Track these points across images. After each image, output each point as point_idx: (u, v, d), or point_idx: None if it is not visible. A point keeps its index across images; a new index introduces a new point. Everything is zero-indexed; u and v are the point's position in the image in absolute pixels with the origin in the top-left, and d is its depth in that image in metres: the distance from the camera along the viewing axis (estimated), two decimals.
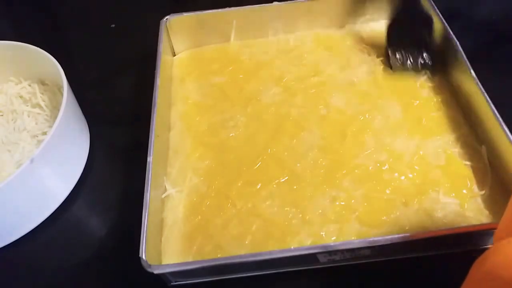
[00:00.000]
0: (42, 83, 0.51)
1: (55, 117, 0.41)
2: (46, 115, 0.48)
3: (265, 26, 0.54)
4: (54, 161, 0.41)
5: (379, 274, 0.37)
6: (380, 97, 0.47)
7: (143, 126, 0.42)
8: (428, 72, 0.49)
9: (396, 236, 0.34)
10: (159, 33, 0.50)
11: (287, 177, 0.42)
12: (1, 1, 0.70)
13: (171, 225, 0.40)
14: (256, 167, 0.43)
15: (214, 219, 0.40)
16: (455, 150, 0.42)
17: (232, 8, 0.52)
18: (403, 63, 0.49)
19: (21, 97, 0.50)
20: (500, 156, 0.39)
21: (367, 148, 0.43)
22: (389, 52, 0.49)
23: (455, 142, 0.43)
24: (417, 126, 0.45)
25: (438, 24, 0.48)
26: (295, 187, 0.41)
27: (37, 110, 0.48)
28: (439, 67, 0.49)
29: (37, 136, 0.46)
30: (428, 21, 0.48)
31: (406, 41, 0.48)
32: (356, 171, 0.42)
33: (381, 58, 0.51)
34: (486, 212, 0.38)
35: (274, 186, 0.41)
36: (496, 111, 0.39)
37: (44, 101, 0.48)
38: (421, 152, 0.42)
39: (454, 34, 0.46)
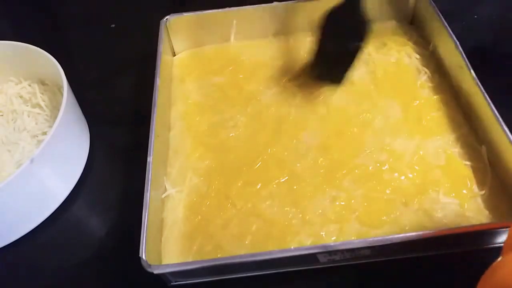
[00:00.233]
0: (42, 83, 0.51)
1: (55, 117, 0.41)
2: (46, 115, 0.48)
3: (265, 26, 0.54)
4: (54, 161, 0.41)
5: (379, 274, 0.37)
6: (380, 97, 0.47)
7: (143, 126, 0.42)
8: (428, 72, 0.49)
9: (396, 236, 0.34)
10: (159, 33, 0.50)
11: (287, 177, 0.42)
12: (1, 1, 0.70)
13: (171, 225, 0.40)
14: (256, 167, 0.43)
15: (214, 219, 0.40)
16: (455, 150, 0.42)
17: (232, 8, 0.52)
18: (320, 74, 0.47)
19: (21, 97, 0.50)
20: (500, 156, 0.39)
21: (367, 148, 0.43)
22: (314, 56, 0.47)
23: (455, 142, 0.43)
24: (417, 126, 0.45)
25: (438, 24, 0.48)
26: (295, 187, 0.41)
27: (37, 110, 0.48)
28: (439, 67, 0.49)
29: (37, 136, 0.46)
30: (360, 29, 0.44)
31: (330, 47, 0.46)
32: (356, 171, 0.42)
33: (381, 58, 0.51)
34: (486, 212, 0.38)
35: (274, 186, 0.41)
36: (496, 111, 0.39)
37: (44, 101, 0.48)
38: (421, 152, 0.42)
39: (454, 34, 0.46)
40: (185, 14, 0.52)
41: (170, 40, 0.53)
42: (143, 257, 0.33)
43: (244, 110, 0.48)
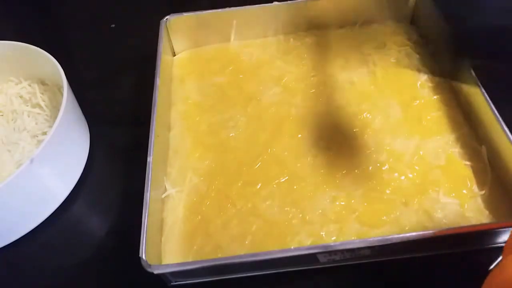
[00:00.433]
0: (42, 83, 0.51)
1: (55, 117, 0.41)
2: (46, 115, 0.48)
3: (265, 26, 0.54)
4: (54, 161, 0.41)
5: (379, 274, 0.37)
6: (380, 97, 0.47)
7: (143, 126, 0.42)
8: (428, 72, 0.49)
9: (396, 236, 0.34)
10: (159, 33, 0.50)
11: (287, 177, 0.42)
12: (1, 1, 0.70)
13: (171, 225, 0.40)
14: (256, 167, 0.43)
15: (214, 219, 0.40)
16: (455, 150, 0.42)
17: (232, 8, 0.52)
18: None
19: (21, 97, 0.50)
20: (500, 156, 0.39)
21: (367, 148, 0.43)
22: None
23: (455, 142, 0.43)
24: (417, 126, 0.45)
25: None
26: (295, 187, 0.41)
27: (37, 110, 0.48)
28: (439, 67, 0.49)
29: (37, 136, 0.46)
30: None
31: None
32: (356, 171, 0.42)
33: (381, 58, 0.51)
34: (486, 212, 0.38)
35: (274, 186, 0.41)
36: (496, 111, 0.39)
37: (44, 101, 0.48)
38: (421, 152, 0.42)
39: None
40: (185, 14, 0.52)
41: (170, 40, 0.53)
42: (143, 257, 0.33)
43: (244, 110, 0.48)
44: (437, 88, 0.47)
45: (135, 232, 0.35)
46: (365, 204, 0.39)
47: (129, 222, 0.40)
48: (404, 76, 0.49)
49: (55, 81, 0.49)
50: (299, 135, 0.45)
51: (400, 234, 0.34)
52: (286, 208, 0.40)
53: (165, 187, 0.42)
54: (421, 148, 0.43)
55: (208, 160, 0.44)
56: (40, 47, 0.47)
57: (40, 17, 0.68)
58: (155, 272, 0.34)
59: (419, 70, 0.49)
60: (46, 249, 0.42)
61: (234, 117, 0.47)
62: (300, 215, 0.39)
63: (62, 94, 0.44)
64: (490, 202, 0.39)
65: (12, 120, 0.48)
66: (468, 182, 0.40)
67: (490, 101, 0.40)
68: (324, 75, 0.50)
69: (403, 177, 0.41)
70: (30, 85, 0.50)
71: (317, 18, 0.54)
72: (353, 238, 0.37)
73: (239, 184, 0.42)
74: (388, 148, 0.43)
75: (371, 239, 0.34)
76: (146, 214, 0.36)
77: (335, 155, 0.43)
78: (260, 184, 0.42)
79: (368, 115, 0.46)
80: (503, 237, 0.36)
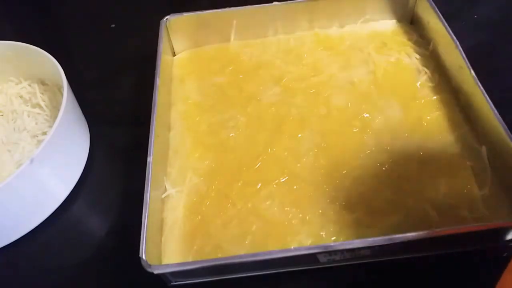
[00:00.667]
0: (42, 83, 0.51)
1: (55, 117, 0.41)
2: (46, 115, 0.48)
3: (265, 26, 0.54)
4: (54, 161, 0.41)
5: (379, 274, 0.37)
6: (380, 97, 0.47)
7: (143, 126, 0.42)
8: (428, 72, 0.49)
9: (396, 236, 0.34)
10: (159, 33, 0.50)
11: (287, 177, 0.42)
12: (1, 1, 0.70)
13: (171, 225, 0.40)
14: (256, 167, 0.43)
15: (214, 219, 0.40)
16: (455, 150, 0.42)
17: (232, 8, 0.52)
18: None
19: (21, 97, 0.50)
20: (500, 156, 0.39)
21: (367, 148, 0.43)
22: None
23: (455, 142, 0.43)
24: (417, 126, 0.45)
25: (438, 24, 0.48)
26: (295, 187, 0.41)
27: (37, 110, 0.48)
28: (439, 67, 0.49)
29: (37, 136, 0.46)
30: None
31: None
32: (356, 171, 0.42)
33: (381, 58, 0.51)
34: (486, 212, 0.38)
35: (274, 186, 0.41)
36: (496, 111, 0.39)
37: (44, 101, 0.48)
38: (421, 152, 0.42)
39: (454, 34, 0.46)
40: (185, 14, 0.52)
41: (170, 40, 0.53)
42: (143, 257, 0.33)
43: (244, 110, 0.48)
44: (437, 88, 0.47)
45: (135, 232, 0.35)
46: (365, 204, 0.39)
47: (129, 222, 0.40)
48: (404, 76, 0.49)
49: (55, 81, 0.49)
50: (299, 135, 0.45)
51: (400, 234, 0.34)
52: (286, 208, 0.40)
53: (165, 187, 0.42)
54: (421, 148, 0.43)
55: (208, 160, 0.44)
56: (40, 47, 0.47)
57: (40, 17, 0.68)
58: (155, 272, 0.34)
59: (419, 70, 0.49)
60: (46, 249, 0.42)
61: (234, 117, 0.47)
62: (300, 215, 0.39)
63: (62, 94, 0.44)
64: (490, 202, 0.39)
65: (12, 120, 0.48)
66: (468, 182, 0.40)
67: (490, 101, 0.40)
68: (324, 75, 0.50)
69: (403, 177, 0.41)
70: (30, 85, 0.50)
71: (317, 18, 0.54)
72: (353, 238, 0.37)
73: (239, 184, 0.42)
74: (388, 148, 0.43)
75: (371, 239, 0.34)
76: (146, 214, 0.36)
77: (335, 155, 0.43)
78: (260, 184, 0.41)
79: (368, 115, 0.46)
80: (504, 237, 0.36)
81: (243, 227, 0.39)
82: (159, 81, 0.45)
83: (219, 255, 0.37)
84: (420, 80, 0.48)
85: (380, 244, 0.34)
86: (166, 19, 0.52)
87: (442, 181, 0.40)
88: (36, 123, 0.47)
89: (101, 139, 0.49)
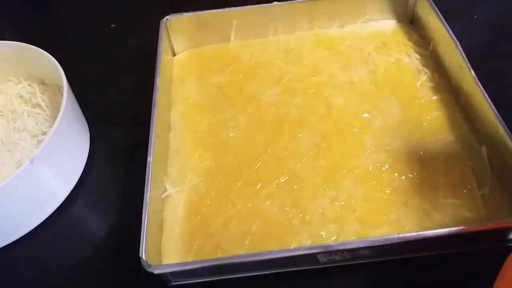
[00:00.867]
0: (42, 83, 0.51)
1: (55, 117, 0.41)
2: (46, 115, 0.48)
3: (265, 26, 0.54)
4: (54, 161, 0.41)
5: (379, 274, 0.37)
6: (380, 97, 0.47)
7: (143, 126, 0.42)
8: (428, 72, 0.49)
9: (396, 236, 0.34)
10: (159, 33, 0.50)
11: (287, 177, 0.42)
12: (1, 1, 0.70)
13: (171, 225, 0.40)
14: (256, 167, 0.43)
15: (214, 219, 0.40)
16: (455, 150, 0.42)
17: (232, 8, 0.52)
18: None
19: (21, 97, 0.50)
20: (500, 156, 0.39)
21: (367, 148, 0.43)
22: None
23: (455, 142, 0.43)
24: (417, 126, 0.45)
25: (438, 24, 0.48)
26: (295, 187, 0.41)
27: (37, 110, 0.48)
28: (439, 67, 0.49)
29: (37, 136, 0.46)
30: None
31: None
32: (356, 171, 0.42)
33: (381, 58, 0.51)
34: (486, 212, 0.38)
35: (274, 186, 0.41)
36: (496, 111, 0.39)
37: (44, 101, 0.48)
38: (421, 152, 0.42)
39: (454, 34, 0.46)
40: (185, 14, 0.52)
41: (170, 40, 0.53)
42: (143, 257, 0.33)
43: (244, 110, 0.48)
44: (437, 88, 0.47)
45: (135, 232, 0.35)
46: (365, 204, 0.39)
47: (129, 222, 0.40)
48: (404, 76, 0.49)
49: (55, 81, 0.49)
50: (299, 135, 0.45)
51: (400, 234, 0.34)
52: (286, 208, 0.40)
53: (165, 187, 0.42)
54: (421, 148, 0.43)
55: (208, 160, 0.44)
56: (40, 47, 0.47)
57: (40, 17, 0.68)
58: (155, 272, 0.34)
59: (419, 70, 0.49)
60: (46, 249, 0.42)
61: (234, 117, 0.47)
62: (300, 215, 0.39)
63: (62, 94, 0.44)
64: (490, 202, 0.39)
65: (12, 120, 0.48)
66: (468, 182, 0.40)
67: (490, 101, 0.40)
68: (324, 75, 0.50)
69: (403, 177, 0.41)
70: (30, 85, 0.50)
71: (317, 18, 0.54)
72: (353, 238, 0.37)
73: (239, 184, 0.42)
74: (388, 148, 0.43)
75: (371, 239, 0.34)
76: (146, 214, 0.36)
77: (335, 155, 0.43)
78: (260, 184, 0.41)
79: (368, 115, 0.46)
80: (504, 237, 0.36)
81: (243, 227, 0.39)
82: (159, 81, 0.45)
83: (219, 255, 0.37)
84: (420, 80, 0.48)
85: (380, 244, 0.34)
86: (166, 19, 0.52)
87: (442, 181, 0.40)
88: (36, 123, 0.47)
89: (101, 139, 0.49)
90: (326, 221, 0.39)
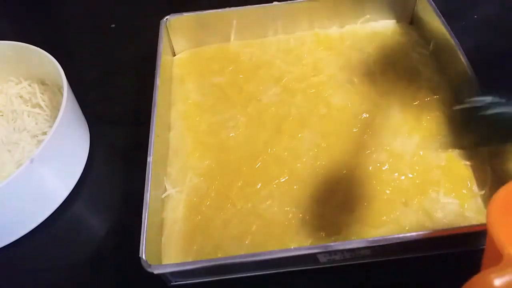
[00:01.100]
0: (42, 83, 0.51)
1: (55, 117, 0.41)
2: (46, 115, 0.48)
3: (265, 26, 0.54)
4: (54, 161, 0.41)
5: (379, 274, 0.37)
6: (380, 97, 0.47)
7: (143, 126, 0.42)
8: (428, 72, 0.49)
9: (396, 236, 0.34)
10: (159, 33, 0.50)
11: (287, 177, 0.42)
12: (1, 1, 0.70)
13: (171, 225, 0.40)
14: (256, 167, 0.43)
15: (214, 219, 0.40)
16: (455, 150, 0.42)
17: (232, 8, 0.52)
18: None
19: (21, 97, 0.50)
20: (500, 156, 0.39)
21: (367, 148, 0.43)
22: None
23: (455, 142, 0.43)
24: (417, 126, 0.45)
25: (438, 24, 0.48)
26: (295, 187, 0.41)
27: (37, 110, 0.48)
28: (439, 67, 0.49)
29: (37, 136, 0.46)
30: None
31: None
32: (356, 171, 0.42)
33: (381, 58, 0.51)
34: (486, 212, 0.38)
35: (274, 186, 0.41)
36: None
37: (44, 101, 0.48)
38: (421, 152, 0.42)
39: (454, 34, 0.46)
40: (185, 14, 0.52)
41: (170, 40, 0.53)
42: (143, 257, 0.33)
43: (244, 110, 0.48)
44: (437, 88, 0.47)
45: (135, 232, 0.35)
46: (365, 204, 0.39)
47: (129, 222, 0.40)
48: (404, 76, 0.49)
49: (55, 81, 0.49)
50: (299, 135, 0.45)
51: (400, 234, 0.34)
52: (286, 208, 0.40)
53: (165, 187, 0.42)
54: (421, 148, 0.43)
55: (208, 160, 0.44)
56: (40, 47, 0.47)
57: (40, 17, 0.68)
58: (155, 272, 0.34)
59: (419, 70, 0.49)
60: (46, 249, 0.42)
61: (234, 117, 0.47)
62: (300, 215, 0.39)
63: (62, 94, 0.44)
64: None
65: (12, 120, 0.48)
66: (468, 182, 0.40)
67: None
68: (324, 75, 0.50)
69: (403, 177, 0.41)
70: (30, 85, 0.50)
71: (317, 18, 0.54)
72: (353, 238, 0.37)
73: (239, 184, 0.42)
74: (388, 148, 0.43)
75: (371, 239, 0.34)
76: (146, 214, 0.36)
77: (335, 155, 0.43)
78: (260, 184, 0.42)
79: (368, 115, 0.46)
80: None
81: (243, 227, 0.39)
82: (159, 81, 0.45)
83: (219, 255, 0.37)
84: (420, 80, 0.48)
85: (380, 244, 0.34)
86: (166, 19, 0.52)
87: (442, 181, 0.40)
88: (36, 123, 0.47)
89: (101, 139, 0.49)
90: (326, 221, 0.39)
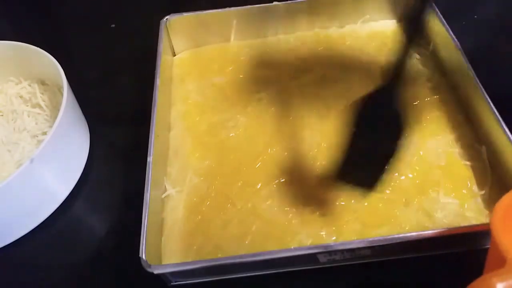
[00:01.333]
0: (42, 83, 0.51)
1: (55, 117, 0.41)
2: (46, 115, 0.48)
3: (265, 26, 0.54)
4: (54, 161, 0.41)
5: (379, 274, 0.37)
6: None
7: (143, 126, 0.42)
8: (428, 72, 0.49)
9: (396, 236, 0.34)
10: (159, 33, 0.50)
11: (287, 177, 0.42)
12: (1, 1, 0.70)
13: (171, 225, 0.40)
14: (256, 167, 0.43)
15: (214, 219, 0.40)
16: (455, 150, 0.42)
17: (232, 8, 0.52)
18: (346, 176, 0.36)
19: (21, 97, 0.50)
20: (500, 156, 0.39)
21: None
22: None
23: (455, 142, 0.43)
24: (417, 126, 0.44)
25: (438, 24, 0.48)
26: (295, 187, 0.41)
27: (37, 110, 0.48)
28: (439, 67, 0.49)
29: (37, 136, 0.46)
30: (398, 124, 0.35)
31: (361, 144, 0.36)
32: None
33: (381, 58, 0.51)
34: (486, 212, 0.38)
35: (274, 186, 0.41)
36: (496, 111, 0.39)
37: (44, 101, 0.48)
38: (421, 152, 0.42)
39: (454, 34, 0.46)
40: (185, 14, 0.52)
41: (170, 40, 0.53)
42: (143, 257, 0.33)
43: (244, 110, 0.48)
44: (437, 88, 0.47)
45: (135, 232, 0.35)
46: (365, 204, 0.39)
47: (129, 222, 0.40)
48: (404, 76, 0.49)
49: (55, 81, 0.49)
50: (299, 135, 0.45)
51: (400, 234, 0.34)
52: (286, 208, 0.40)
53: (165, 187, 0.42)
54: (421, 148, 0.43)
55: (208, 160, 0.44)
56: (40, 47, 0.47)
57: (40, 17, 0.68)
58: (155, 272, 0.34)
59: (419, 70, 0.49)
60: (46, 249, 0.42)
61: (234, 117, 0.47)
62: (300, 215, 0.39)
63: (62, 94, 0.44)
64: (490, 202, 0.39)
65: (12, 120, 0.48)
66: (468, 182, 0.40)
67: (490, 101, 0.40)
68: (324, 75, 0.50)
69: (403, 177, 0.41)
70: (30, 85, 0.50)
71: (317, 18, 0.54)
72: (353, 238, 0.37)
73: (239, 184, 0.42)
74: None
75: (371, 239, 0.34)
76: (146, 214, 0.36)
77: (335, 155, 0.43)
78: (260, 184, 0.41)
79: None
80: None
81: (243, 227, 0.39)
82: (159, 81, 0.45)
83: (219, 255, 0.37)
84: (420, 80, 0.48)
85: (380, 244, 0.34)
86: (166, 19, 0.52)
87: (442, 181, 0.40)
88: (36, 123, 0.47)
89: (101, 139, 0.49)
90: (326, 221, 0.39)
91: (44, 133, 0.46)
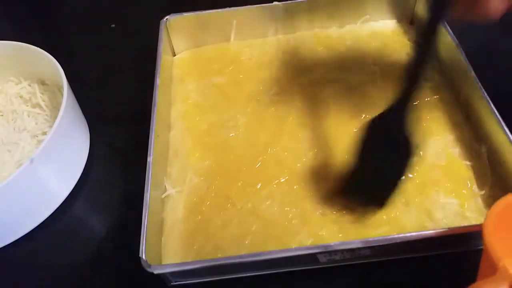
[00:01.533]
0: (42, 83, 0.51)
1: (55, 117, 0.41)
2: (46, 115, 0.48)
3: (265, 26, 0.54)
4: (54, 161, 0.41)
5: (379, 274, 0.37)
6: (380, 97, 0.47)
7: (143, 126, 0.42)
8: (428, 72, 0.48)
9: (396, 236, 0.34)
10: (159, 33, 0.50)
11: (287, 177, 0.42)
12: (1, 1, 0.70)
13: (171, 225, 0.40)
14: (256, 167, 0.43)
15: (214, 219, 0.40)
16: (455, 150, 0.42)
17: (232, 8, 0.52)
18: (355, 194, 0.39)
19: (21, 97, 0.50)
20: (500, 156, 0.39)
21: None
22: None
23: (455, 142, 0.43)
24: (417, 126, 0.44)
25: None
26: (295, 187, 0.41)
27: (37, 110, 0.48)
28: (439, 67, 0.49)
29: (37, 136, 0.46)
30: (406, 145, 0.35)
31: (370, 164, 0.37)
32: None
33: (381, 58, 0.51)
34: (486, 212, 0.38)
35: (274, 186, 0.41)
36: (496, 111, 0.39)
37: (44, 101, 0.48)
38: (421, 152, 0.42)
39: (454, 34, 0.46)
40: (185, 14, 0.52)
41: (170, 40, 0.53)
42: (143, 257, 0.33)
43: (244, 110, 0.48)
44: (437, 88, 0.47)
45: (135, 232, 0.35)
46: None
47: (129, 222, 0.40)
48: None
49: (55, 81, 0.49)
50: (299, 135, 0.45)
51: (400, 234, 0.34)
52: (286, 208, 0.40)
53: (165, 187, 0.42)
54: (421, 148, 0.43)
55: (208, 160, 0.44)
56: (40, 47, 0.47)
57: (40, 17, 0.68)
58: (155, 272, 0.34)
59: None
60: (46, 249, 0.42)
61: (234, 117, 0.47)
62: (300, 215, 0.39)
63: (62, 94, 0.44)
64: (490, 202, 0.39)
65: (12, 120, 0.48)
66: (468, 182, 0.40)
67: (490, 101, 0.40)
68: (324, 75, 0.50)
69: (403, 177, 0.41)
70: (30, 85, 0.50)
71: (317, 18, 0.54)
72: (353, 238, 0.37)
73: (239, 184, 0.42)
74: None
75: (371, 239, 0.34)
76: (146, 214, 0.36)
77: (335, 155, 0.43)
78: (260, 184, 0.42)
79: (368, 115, 0.46)
80: None
81: (243, 227, 0.39)
82: (159, 81, 0.45)
83: (219, 255, 0.37)
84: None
85: (380, 244, 0.34)
86: (166, 19, 0.52)
87: (442, 181, 0.40)
88: (36, 123, 0.47)
89: (101, 139, 0.49)
90: (326, 221, 0.39)
91: (44, 133, 0.46)
